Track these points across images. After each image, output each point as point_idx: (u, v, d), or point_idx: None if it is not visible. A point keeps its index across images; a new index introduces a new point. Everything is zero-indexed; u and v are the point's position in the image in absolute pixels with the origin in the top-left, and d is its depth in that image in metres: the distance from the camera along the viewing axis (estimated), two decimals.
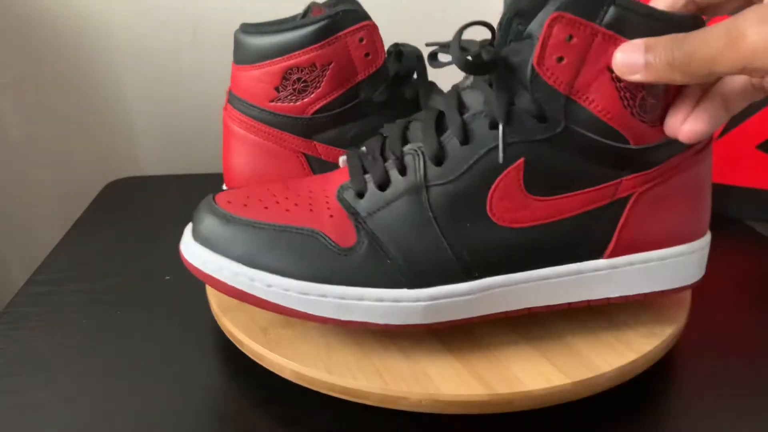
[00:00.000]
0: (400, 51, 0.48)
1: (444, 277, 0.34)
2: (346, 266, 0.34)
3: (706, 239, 0.38)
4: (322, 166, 0.46)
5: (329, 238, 0.35)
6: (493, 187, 0.34)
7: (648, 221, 0.35)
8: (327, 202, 0.37)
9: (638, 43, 0.31)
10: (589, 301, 0.37)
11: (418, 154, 0.35)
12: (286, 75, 0.44)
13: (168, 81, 0.72)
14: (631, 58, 0.31)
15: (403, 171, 0.35)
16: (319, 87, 0.44)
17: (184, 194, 0.63)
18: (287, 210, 0.37)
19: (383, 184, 0.35)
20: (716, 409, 0.35)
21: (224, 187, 0.51)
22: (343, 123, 0.46)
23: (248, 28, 0.45)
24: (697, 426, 0.34)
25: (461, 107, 0.35)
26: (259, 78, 0.44)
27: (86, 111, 0.73)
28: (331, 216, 0.36)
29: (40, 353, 0.40)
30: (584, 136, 0.33)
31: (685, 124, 0.32)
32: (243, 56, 0.45)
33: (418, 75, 0.48)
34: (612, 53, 0.32)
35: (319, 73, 0.44)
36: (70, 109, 0.72)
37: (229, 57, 0.48)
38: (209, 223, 0.36)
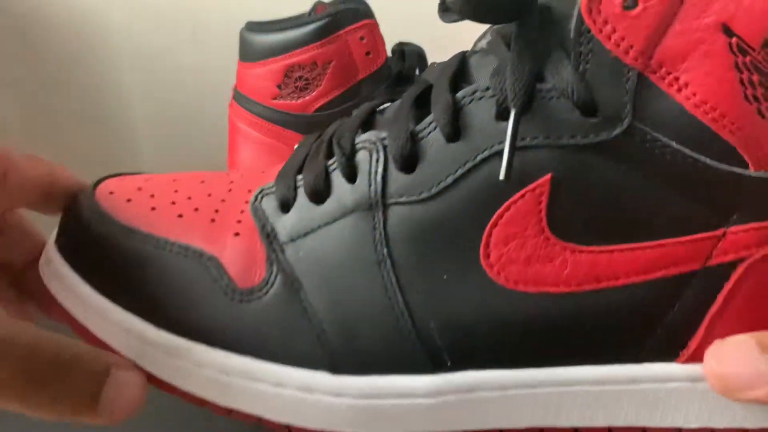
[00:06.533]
0: (402, 50, 0.49)
1: (394, 361, 0.22)
2: (238, 319, 0.22)
3: None
4: None
5: (224, 269, 0.23)
6: (494, 218, 0.21)
7: (766, 309, 0.21)
8: (242, 212, 0.25)
9: (745, 341, 0.19)
10: (645, 429, 0.22)
11: (377, 150, 0.22)
12: (287, 73, 0.45)
13: (168, 80, 0.72)
14: (739, 366, 0.20)
15: (351, 174, 0.22)
16: (321, 85, 0.45)
17: None
18: (180, 216, 0.25)
19: (319, 193, 0.23)
20: None
21: None
22: None
23: (253, 26, 0.47)
24: None
25: (459, 80, 0.22)
26: (262, 75, 0.46)
27: (85, 110, 0.74)
28: (237, 234, 0.24)
29: None
30: (664, 146, 0.19)
31: None
32: (247, 54, 0.47)
33: (419, 74, 0.48)
34: None
35: (321, 71, 0.45)
36: (69, 108, 0.73)
37: (230, 55, 0.49)
38: (73, 224, 0.25)
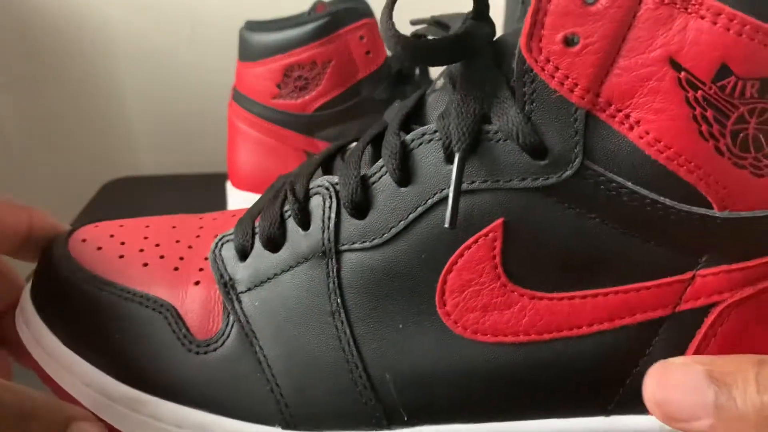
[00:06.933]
0: None
1: (348, 416, 0.21)
2: (195, 371, 0.22)
3: None
4: None
5: (182, 319, 0.22)
6: (447, 265, 0.20)
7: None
8: (206, 259, 0.24)
9: (693, 369, 0.18)
10: None
11: (330, 196, 0.21)
12: (287, 72, 0.46)
13: (166, 79, 0.73)
14: (685, 394, 0.18)
15: (305, 221, 0.22)
16: (320, 84, 0.46)
17: (182, 194, 0.65)
18: (145, 264, 0.25)
19: (273, 240, 0.22)
20: None
21: (227, 184, 0.52)
22: (345, 121, 0.47)
23: (252, 26, 0.47)
24: None
25: (412, 121, 0.21)
26: (262, 75, 0.46)
27: (83, 110, 0.74)
28: (197, 283, 0.23)
29: None
30: (620, 186, 0.18)
31: None
32: (246, 53, 0.47)
33: (420, 73, 0.48)
34: (685, 27, 0.17)
35: (320, 70, 0.45)
36: (67, 108, 0.74)
37: (228, 54, 0.49)
38: (45, 272, 0.26)
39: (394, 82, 0.47)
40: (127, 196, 0.66)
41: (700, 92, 0.17)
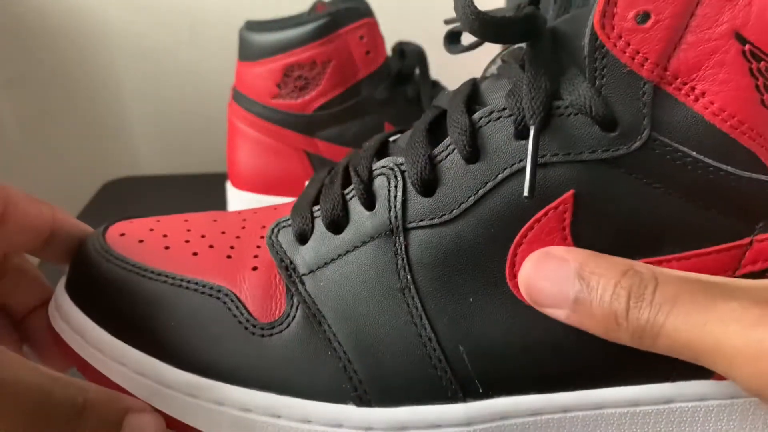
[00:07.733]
0: (402, 49, 0.50)
1: (423, 391, 0.21)
2: (260, 354, 0.22)
3: None
4: (323, 164, 0.47)
5: (243, 304, 0.22)
6: (518, 237, 0.21)
7: None
8: (258, 247, 0.25)
9: (565, 264, 0.20)
10: None
11: (395, 175, 0.22)
12: (287, 72, 0.46)
13: (166, 80, 0.74)
14: (550, 282, 0.20)
15: (370, 202, 0.22)
16: (320, 84, 0.46)
17: (182, 194, 0.67)
18: (195, 254, 0.24)
19: (336, 222, 0.23)
20: None
21: (227, 184, 0.52)
22: (345, 121, 0.47)
23: (252, 25, 0.48)
24: None
25: (472, 103, 0.22)
26: (262, 75, 0.47)
27: (83, 110, 0.75)
28: (255, 269, 0.23)
29: None
30: (685, 156, 0.20)
31: None
32: (246, 53, 0.48)
33: (420, 73, 0.49)
34: (749, 3, 0.18)
35: (320, 70, 0.45)
36: (67, 108, 0.75)
37: (228, 55, 0.50)
38: (83, 267, 0.25)
39: (394, 82, 0.47)
40: (127, 196, 0.66)
41: (763, 63, 0.19)
